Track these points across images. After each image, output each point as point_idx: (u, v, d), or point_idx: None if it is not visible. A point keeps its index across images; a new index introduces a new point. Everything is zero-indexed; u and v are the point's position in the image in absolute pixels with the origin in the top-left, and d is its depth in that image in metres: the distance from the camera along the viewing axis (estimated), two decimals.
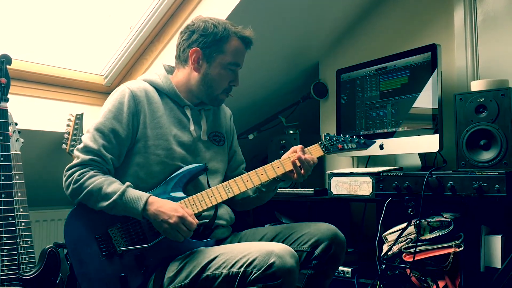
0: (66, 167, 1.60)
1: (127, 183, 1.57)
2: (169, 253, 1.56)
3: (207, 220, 1.65)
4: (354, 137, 1.72)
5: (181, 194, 1.62)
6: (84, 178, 1.55)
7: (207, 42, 1.68)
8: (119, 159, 1.64)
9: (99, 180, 1.55)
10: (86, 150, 1.59)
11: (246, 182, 1.63)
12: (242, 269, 1.39)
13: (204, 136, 1.75)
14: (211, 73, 1.70)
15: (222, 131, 1.84)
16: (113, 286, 1.53)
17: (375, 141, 1.71)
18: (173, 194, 1.61)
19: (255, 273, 1.37)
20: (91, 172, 1.57)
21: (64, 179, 1.59)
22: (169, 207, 1.51)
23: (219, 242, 1.70)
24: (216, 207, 1.62)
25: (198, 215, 1.61)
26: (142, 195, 1.54)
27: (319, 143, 1.69)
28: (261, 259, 1.37)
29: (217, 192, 1.62)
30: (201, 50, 1.69)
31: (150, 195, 1.54)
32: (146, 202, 1.52)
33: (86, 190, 1.54)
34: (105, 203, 1.53)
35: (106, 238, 1.55)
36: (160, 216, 1.50)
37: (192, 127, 1.71)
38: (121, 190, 1.53)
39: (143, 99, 1.66)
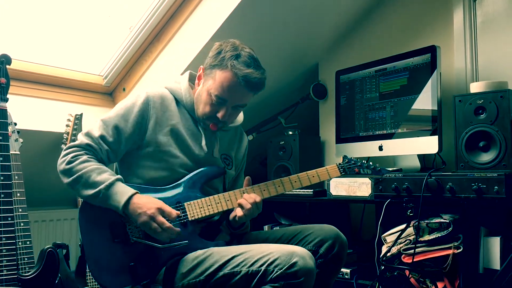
0: (65, 147, 1.63)
1: (118, 176, 1.57)
2: (180, 250, 1.56)
3: (216, 219, 1.66)
4: (371, 163, 1.73)
5: (198, 193, 1.63)
6: (77, 161, 1.56)
7: (208, 63, 1.66)
8: (116, 154, 1.65)
9: (91, 167, 1.55)
10: (87, 135, 1.63)
11: (263, 192, 1.65)
12: (263, 268, 1.40)
13: (217, 153, 1.74)
14: (201, 95, 1.68)
15: (233, 157, 1.83)
16: (122, 274, 1.53)
17: (389, 170, 1.73)
18: (190, 192, 1.63)
19: (276, 272, 1.38)
20: (85, 157, 1.58)
21: (60, 157, 1.61)
22: (148, 201, 1.52)
23: (227, 245, 1.70)
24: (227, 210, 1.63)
25: (212, 216, 1.62)
26: (128, 191, 1.53)
27: (337, 164, 1.70)
28: (284, 258, 1.39)
29: (234, 197, 1.63)
30: (204, 69, 1.69)
31: (136, 192, 1.54)
32: (129, 198, 1.52)
33: (76, 174, 1.54)
34: (91, 191, 1.53)
35: (120, 225, 1.56)
36: (137, 210, 1.51)
37: (203, 142, 1.69)
38: (109, 181, 1.53)
39: (157, 105, 1.66)
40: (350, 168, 1.70)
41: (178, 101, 1.72)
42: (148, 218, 1.50)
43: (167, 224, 1.51)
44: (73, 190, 1.59)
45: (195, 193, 1.63)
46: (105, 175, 1.55)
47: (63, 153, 1.61)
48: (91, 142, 1.61)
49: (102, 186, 1.52)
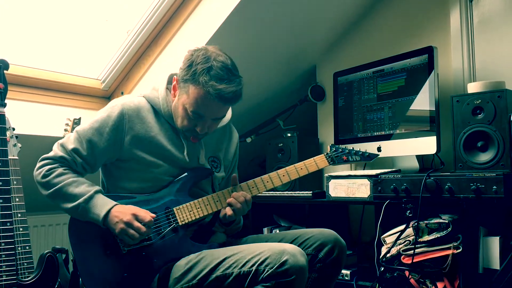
0: (40, 158, 1.62)
1: (96, 188, 1.57)
2: (173, 255, 1.56)
3: (207, 220, 1.66)
4: (359, 149, 1.72)
5: (187, 197, 1.63)
6: (53, 175, 1.56)
7: (181, 76, 1.61)
8: (92, 166, 1.64)
9: (68, 180, 1.55)
10: (62, 146, 1.62)
11: (251, 189, 1.64)
12: (254, 268, 1.40)
13: (203, 160, 1.71)
14: (177, 108, 1.64)
15: (221, 158, 1.81)
16: (116, 286, 1.53)
17: (378, 155, 1.73)
18: (178, 196, 1.62)
19: (267, 271, 1.38)
20: (60, 170, 1.57)
21: (35, 168, 1.61)
22: (124, 209, 1.52)
23: (220, 246, 1.70)
24: (218, 210, 1.63)
25: (202, 218, 1.62)
26: (108, 203, 1.53)
27: (325, 154, 1.69)
28: (274, 257, 1.39)
29: (223, 197, 1.62)
30: (177, 81, 1.64)
31: (116, 204, 1.54)
32: (109, 210, 1.51)
33: (54, 188, 1.54)
34: (70, 205, 1.53)
35: (110, 236, 1.55)
36: (115, 219, 1.51)
37: (185, 152, 1.67)
38: (88, 194, 1.53)
39: (133, 119, 1.63)
40: (338, 157, 1.69)
41: (156, 111, 1.68)
42: (125, 225, 1.49)
43: (144, 229, 1.50)
44: (53, 203, 1.59)
45: (183, 197, 1.63)
46: (83, 187, 1.54)
47: (38, 164, 1.61)
48: (65, 155, 1.60)
49: (81, 200, 1.52)
